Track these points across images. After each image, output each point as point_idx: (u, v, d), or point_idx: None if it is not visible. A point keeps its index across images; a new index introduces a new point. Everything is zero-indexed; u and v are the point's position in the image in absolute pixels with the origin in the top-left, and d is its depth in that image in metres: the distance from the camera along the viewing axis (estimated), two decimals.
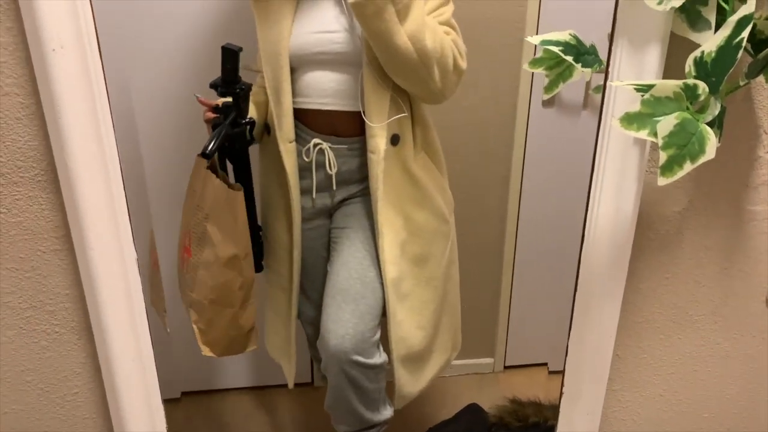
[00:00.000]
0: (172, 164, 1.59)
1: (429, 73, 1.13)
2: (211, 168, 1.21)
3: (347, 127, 1.24)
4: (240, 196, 1.21)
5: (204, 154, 1.16)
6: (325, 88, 1.22)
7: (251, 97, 1.25)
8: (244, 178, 1.28)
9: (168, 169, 1.62)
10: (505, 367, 2.24)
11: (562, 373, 1.08)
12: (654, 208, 0.99)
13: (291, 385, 1.48)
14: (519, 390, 1.89)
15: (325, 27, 1.19)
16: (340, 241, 1.32)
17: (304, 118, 1.25)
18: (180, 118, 1.60)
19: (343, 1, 1.19)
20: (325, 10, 1.20)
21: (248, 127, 1.24)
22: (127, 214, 0.86)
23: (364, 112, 1.19)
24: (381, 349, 1.30)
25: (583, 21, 1.72)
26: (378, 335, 1.28)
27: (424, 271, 1.33)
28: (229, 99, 1.19)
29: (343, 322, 1.23)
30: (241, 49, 1.16)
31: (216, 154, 1.21)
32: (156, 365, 0.97)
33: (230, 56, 1.16)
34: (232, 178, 1.28)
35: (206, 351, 1.29)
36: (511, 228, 2.03)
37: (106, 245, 0.85)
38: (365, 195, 1.29)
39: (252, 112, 1.28)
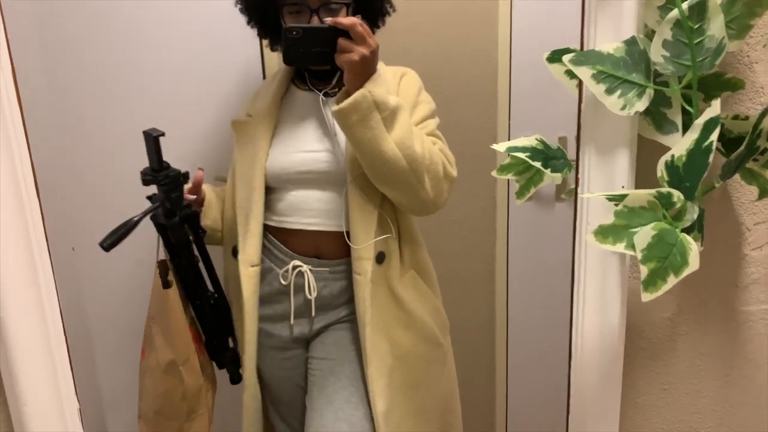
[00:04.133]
0: (116, 306, 1.52)
1: (419, 181, 1.07)
2: (161, 267, 1.12)
3: (331, 248, 1.17)
4: (171, 293, 1.10)
5: (100, 244, 1.02)
6: (311, 208, 1.16)
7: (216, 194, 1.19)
8: (191, 275, 1.17)
9: (111, 311, 1.53)
10: None
11: None
12: (642, 316, 0.93)
13: None
14: None
15: (308, 147, 1.16)
16: (322, 375, 1.19)
17: (284, 239, 1.19)
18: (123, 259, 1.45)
19: (326, 121, 1.16)
20: (307, 130, 1.17)
21: (188, 218, 1.14)
22: (68, 364, 0.78)
23: (347, 233, 1.13)
24: None
25: (552, 119, 1.76)
26: None
27: (414, 402, 1.20)
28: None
29: None
30: (162, 134, 1.09)
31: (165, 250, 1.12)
32: None
33: (150, 142, 1.08)
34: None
35: None
36: (501, 328, 1.96)
37: (43, 401, 0.77)
38: (348, 321, 1.20)
39: (211, 206, 1.22)
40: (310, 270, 1.16)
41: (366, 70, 1.00)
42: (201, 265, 1.20)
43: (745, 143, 0.75)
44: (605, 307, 0.86)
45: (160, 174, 1.09)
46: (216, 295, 1.21)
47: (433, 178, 1.08)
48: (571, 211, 1.76)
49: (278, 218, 1.18)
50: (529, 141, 0.97)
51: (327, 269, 1.17)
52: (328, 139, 1.15)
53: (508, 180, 1.83)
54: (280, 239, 1.18)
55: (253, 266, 1.16)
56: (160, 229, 1.13)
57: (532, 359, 1.99)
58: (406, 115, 1.05)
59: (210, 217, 1.24)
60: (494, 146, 0.95)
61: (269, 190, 1.19)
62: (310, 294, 1.16)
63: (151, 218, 1.12)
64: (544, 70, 0.89)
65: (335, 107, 1.00)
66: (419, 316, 1.19)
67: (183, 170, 1.12)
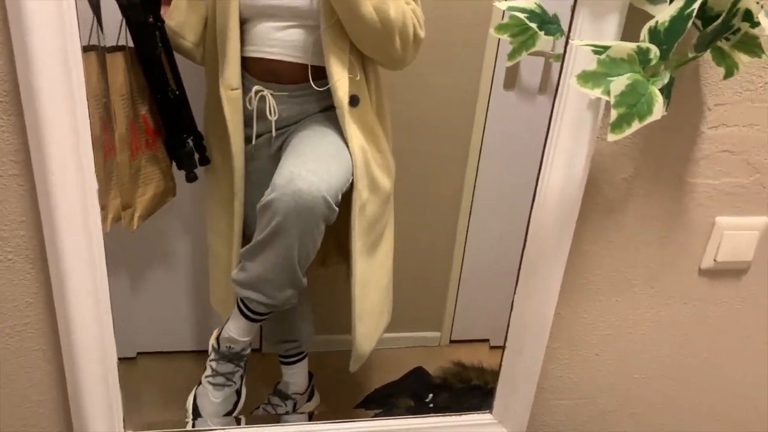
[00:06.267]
0: None
1: (391, 43, 1.19)
2: None
3: (290, 75, 1.26)
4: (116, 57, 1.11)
5: None
6: (273, 38, 1.24)
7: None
8: (153, 65, 1.19)
9: None
10: (451, 341, 2.31)
11: (502, 348, 1.15)
12: (602, 174, 1.04)
13: None
14: (463, 360, 1.95)
15: None
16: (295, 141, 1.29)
17: (248, 67, 1.27)
18: None
19: None
20: None
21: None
22: (90, 141, 0.86)
23: (312, 69, 1.22)
24: None
25: None
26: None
27: (381, 245, 1.37)
28: None
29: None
30: None
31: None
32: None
33: None
34: None
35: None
36: (465, 207, 2.08)
37: (68, 172, 0.85)
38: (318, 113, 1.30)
39: (178, 8, 1.23)
40: (271, 94, 1.27)
41: None
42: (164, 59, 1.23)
43: (721, 19, 0.83)
44: (573, 159, 0.97)
45: None
46: (177, 92, 1.26)
47: (403, 40, 1.22)
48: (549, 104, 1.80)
49: (243, 47, 1.26)
50: (528, 3, 1.03)
51: (286, 93, 1.28)
52: None
53: (494, 67, 1.90)
54: (244, 66, 1.27)
55: (233, 90, 1.25)
56: (123, 9, 1.14)
57: (492, 233, 2.13)
58: None
59: (174, 19, 1.26)
60: (496, 3, 1.01)
61: (241, 21, 1.25)
62: (271, 115, 1.27)
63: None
64: None
65: None
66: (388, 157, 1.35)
67: None
